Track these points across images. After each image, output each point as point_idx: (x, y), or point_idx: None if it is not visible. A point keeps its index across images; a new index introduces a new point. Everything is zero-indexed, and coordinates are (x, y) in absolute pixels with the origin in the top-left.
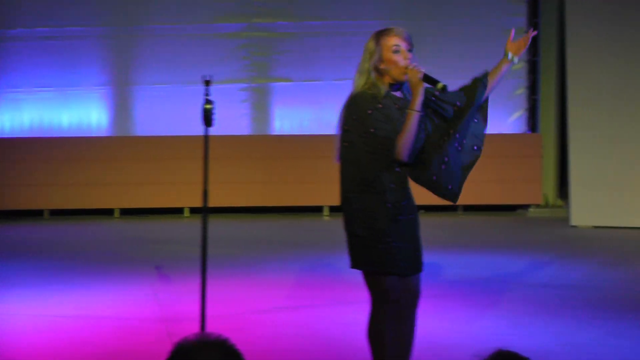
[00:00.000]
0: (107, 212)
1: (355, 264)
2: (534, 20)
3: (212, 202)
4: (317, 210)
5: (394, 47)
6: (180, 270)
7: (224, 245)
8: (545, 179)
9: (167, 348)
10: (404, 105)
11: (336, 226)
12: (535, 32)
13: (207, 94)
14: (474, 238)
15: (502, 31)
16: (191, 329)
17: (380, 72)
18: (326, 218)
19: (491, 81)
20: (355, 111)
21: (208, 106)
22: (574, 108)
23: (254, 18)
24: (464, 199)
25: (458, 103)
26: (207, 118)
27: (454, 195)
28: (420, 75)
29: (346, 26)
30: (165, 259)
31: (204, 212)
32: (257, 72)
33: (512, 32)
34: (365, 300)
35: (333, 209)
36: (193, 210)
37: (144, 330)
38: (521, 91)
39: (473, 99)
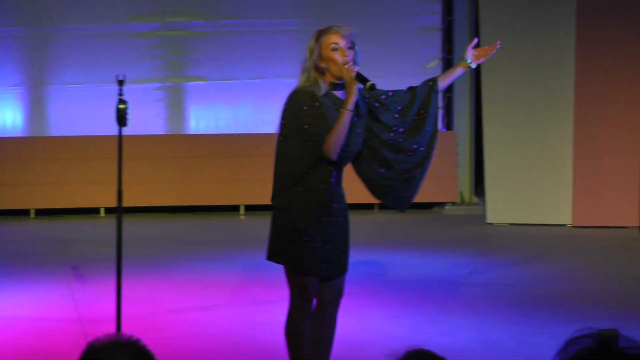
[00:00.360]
0: (23, 213)
1: (271, 256)
2: (448, 18)
3: (127, 202)
4: (233, 209)
5: (333, 45)
6: (96, 271)
7: (140, 245)
8: (460, 176)
9: (83, 349)
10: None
11: (252, 225)
12: (499, 46)
13: (120, 94)
14: (390, 236)
15: (417, 29)
16: (107, 329)
17: (320, 71)
18: (242, 217)
19: (442, 85)
20: (292, 107)
21: (122, 106)
22: (488, 106)
23: (168, 17)
24: None
25: (399, 107)
26: (121, 118)
27: (407, 202)
28: (354, 74)
29: (260, 25)
30: (81, 260)
31: (119, 212)
32: (172, 71)
33: (475, 40)
34: (280, 299)
35: (249, 208)
36: (108, 210)
37: (60, 331)
38: None
39: (428, 108)
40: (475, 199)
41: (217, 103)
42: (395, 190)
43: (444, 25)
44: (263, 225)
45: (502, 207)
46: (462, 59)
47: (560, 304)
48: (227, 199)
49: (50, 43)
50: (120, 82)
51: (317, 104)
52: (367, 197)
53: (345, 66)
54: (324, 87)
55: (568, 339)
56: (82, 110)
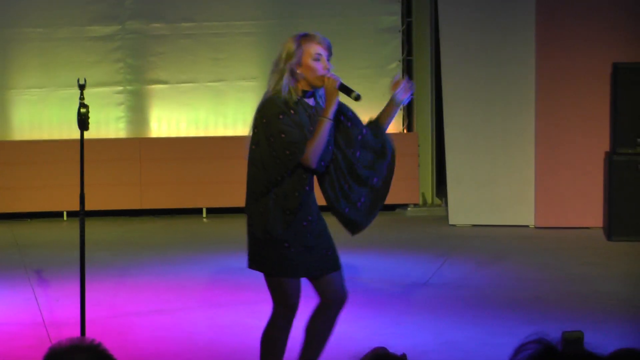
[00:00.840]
0: None
1: (251, 265)
2: (407, 20)
3: (90, 206)
4: (196, 212)
5: (316, 55)
6: (60, 274)
7: (103, 248)
8: (422, 178)
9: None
10: (315, 113)
11: (214, 228)
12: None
13: (82, 98)
14: (352, 238)
15: (376, 30)
16: (71, 332)
17: (295, 76)
18: (205, 220)
19: (385, 124)
20: (266, 114)
21: (83, 110)
22: (449, 107)
23: (127, 21)
24: None
25: (364, 131)
26: (83, 122)
27: (360, 226)
28: (337, 85)
29: (218, 27)
30: (44, 263)
31: (81, 215)
32: (132, 74)
33: (396, 76)
34: (242, 302)
35: (211, 211)
36: (71, 214)
37: (24, 335)
38: None
39: (385, 148)
40: (437, 201)
41: (177, 106)
42: (348, 216)
43: (404, 26)
44: (226, 227)
45: (464, 208)
46: (391, 98)
47: (523, 305)
48: (189, 201)
49: (10, 47)
50: (81, 86)
51: (291, 111)
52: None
53: (327, 76)
54: (296, 94)
55: (518, 345)
56: (43, 114)
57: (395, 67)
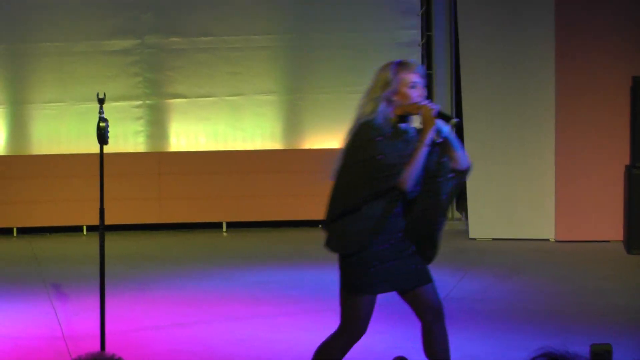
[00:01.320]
0: (5, 232)
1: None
2: (427, 34)
3: (109, 220)
4: (215, 226)
5: (412, 83)
6: (80, 288)
7: (122, 262)
8: None
9: None
10: (409, 139)
11: (234, 242)
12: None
13: (101, 112)
14: None
15: (396, 44)
16: (91, 346)
17: (391, 104)
18: (224, 234)
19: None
20: (361, 137)
21: (102, 124)
22: (469, 120)
23: (146, 35)
24: None
25: (443, 159)
26: (102, 136)
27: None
28: (434, 112)
29: (236, 41)
30: (64, 278)
31: (101, 230)
32: (151, 89)
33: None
34: (259, 316)
35: (231, 225)
36: (91, 228)
37: (44, 349)
38: None
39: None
40: (457, 214)
41: (196, 120)
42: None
43: (424, 40)
44: (245, 241)
45: (484, 222)
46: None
47: (542, 319)
48: (209, 215)
49: (29, 61)
50: (101, 101)
51: (388, 135)
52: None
53: (424, 104)
54: (392, 120)
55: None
56: (62, 129)
57: None
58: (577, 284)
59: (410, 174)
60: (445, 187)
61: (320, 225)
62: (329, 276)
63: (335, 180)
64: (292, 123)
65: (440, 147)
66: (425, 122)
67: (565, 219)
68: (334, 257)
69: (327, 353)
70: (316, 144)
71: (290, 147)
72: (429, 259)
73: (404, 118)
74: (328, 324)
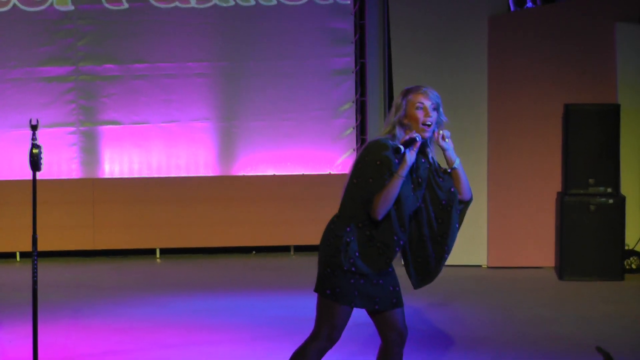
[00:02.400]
0: None
1: (317, 287)
2: (360, 61)
3: (42, 246)
4: (149, 252)
5: (418, 104)
6: (12, 315)
7: (55, 289)
8: None
9: None
10: (425, 162)
11: (167, 269)
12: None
13: (34, 138)
14: (303, 279)
15: (330, 72)
16: None
17: (403, 127)
18: (158, 261)
19: (461, 193)
20: (368, 155)
21: (35, 150)
22: None
23: (80, 62)
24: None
25: (452, 189)
26: (35, 162)
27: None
28: (407, 137)
29: (171, 68)
30: None
31: (34, 256)
32: (85, 115)
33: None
34: (191, 344)
35: (164, 252)
36: (24, 255)
37: None
38: (349, 131)
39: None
40: None
41: (130, 147)
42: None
43: (357, 67)
44: (179, 268)
45: None
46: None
47: (475, 347)
48: (142, 242)
49: None
50: (34, 127)
51: (396, 160)
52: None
53: (410, 135)
54: (414, 152)
55: None
56: None
57: (348, 107)
58: (510, 311)
59: (380, 203)
60: (456, 216)
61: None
62: (263, 304)
63: (346, 191)
64: (227, 150)
65: (451, 177)
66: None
67: (498, 245)
68: (268, 284)
69: (302, 357)
70: (250, 171)
71: (224, 174)
72: (423, 283)
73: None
74: (262, 352)
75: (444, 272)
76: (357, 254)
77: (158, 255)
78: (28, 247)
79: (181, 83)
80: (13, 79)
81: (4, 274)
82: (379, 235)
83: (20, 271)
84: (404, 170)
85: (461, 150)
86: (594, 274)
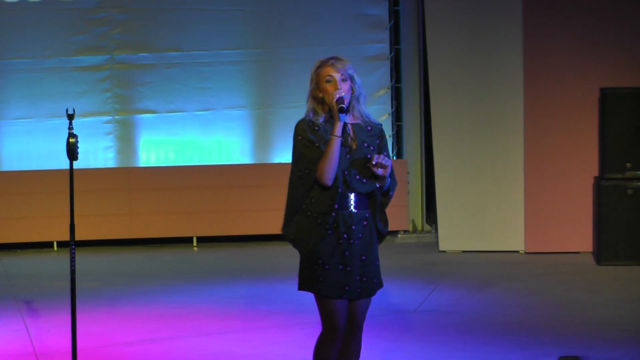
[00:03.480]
0: None
1: (299, 285)
2: (395, 47)
3: (80, 236)
4: (186, 241)
5: (327, 77)
6: (51, 305)
7: (92, 278)
8: (412, 204)
9: None
10: (350, 130)
11: (204, 257)
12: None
13: (70, 128)
14: None
15: (365, 58)
16: None
17: (318, 100)
18: (195, 249)
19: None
20: (294, 136)
21: (72, 140)
22: (438, 133)
23: (115, 51)
24: None
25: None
26: (72, 152)
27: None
28: (334, 99)
29: (206, 56)
30: (34, 294)
31: (72, 245)
32: (120, 104)
33: (371, 156)
34: (229, 331)
35: (201, 240)
36: (61, 244)
37: None
38: (385, 117)
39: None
40: (427, 227)
41: (166, 135)
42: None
43: (392, 53)
44: (215, 256)
45: (454, 234)
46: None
47: (513, 331)
48: (179, 230)
49: None
50: (70, 116)
51: (315, 128)
52: None
53: (332, 95)
54: (322, 115)
55: None
56: (31, 145)
57: (383, 93)
58: (547, 295)
59: (324, 167)
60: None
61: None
62: (300, 291)
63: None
64: (262, 137)
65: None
66: (333, 112)
67: (535, 231)
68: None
69: (318, 354)
70: (285, 158)
71: (259, 162)
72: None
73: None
74: (298, 338)
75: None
76: (303, 236)
77: (195, 243)
78: (65, 237)
79: (216, 71)
80: (48, 68)
81: (41, 263)
82: (314, 207)
83: (58, 260)
84: (339, 129)
85: (496, 134)
86: (631, 258)
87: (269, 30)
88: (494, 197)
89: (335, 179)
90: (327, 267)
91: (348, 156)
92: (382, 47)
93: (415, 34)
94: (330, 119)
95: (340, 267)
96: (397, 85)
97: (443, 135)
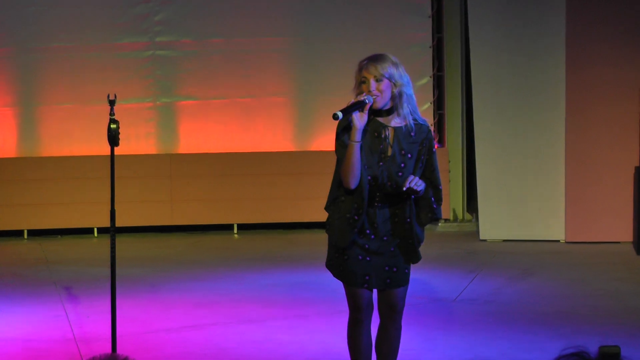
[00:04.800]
0: (16, 234)
1: (326, 264)
2: (437, 35)
3: (120, 222)
4: (227, 228)
5: (362, 78)
6: (91, 290)
7: (133, 264)
8: (453, 193)
9: None
10: (380, 131)
11: (245, 244)
12: None
13: (112, 114)
14: None
15: (406, 46)
16: (102, 349)
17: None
18: (236, 236)
19: None
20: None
21: (113, 126)
22: (479, 122)
23: (157, 37)
24: None
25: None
26: (113, 137)
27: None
28: (351, 102)
29: (248, 44)
30: (74, 280)
31: (112, 231)
32: (162, 90)
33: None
34: (271, 318)
35: (242, 227)
36: (101, 230)
37: (55, 351)
38: (427, 106)
39: None
40: (468, 216)
41: (207, 122)
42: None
43: (434, 42)
44: (256, 243)
45: (495, 223)
46: None
47: (553, 321)
48: (220, 217)
49: (40, 63)
50: (111, 102)
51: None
52: None
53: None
54: (365, 114)
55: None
56: (73, 130)
57: (425, 82)
58: (588, 285)
59: (343, 173)
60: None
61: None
62: None
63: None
64: (304, 125)
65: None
66: (353, 121)
67: (576, 220)
68: None
69: (349, 336)
70: (327, 146)
71: (301, 149)
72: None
73: (382, 111)
74: (339, 326)
75: (523, 246)
76: (335, 229)
77: (235, 230)
78: (105, 223)
79: (258, 58)
80: (90, 54)
81: (82, 249)
82: (343, 205)
83: (98, 247)
84: (355, 135)
85: (537, 123)
86: None
87: (311, 18)
88: (535, 186)
89: (360, 183)
90: (345, 257)
91: (381, 163)
92: (424, 35)
93: (458, 22)
94: (374, 118)
95: (360, 257)
96: (438, 73)
97: (484, 123)
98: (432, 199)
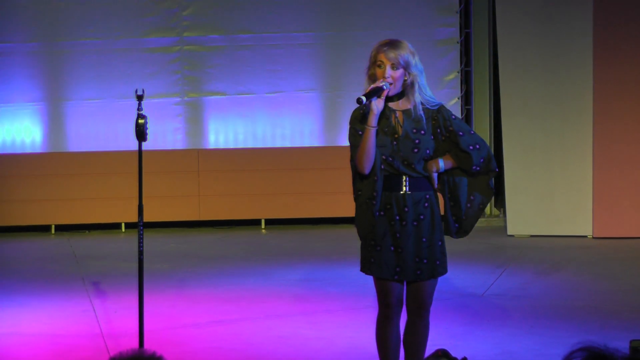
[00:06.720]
0: (43, 229)
1: (360, 267)
2: (465, 31)
3: (148, 217)
4: (254, 223)
5: (378, 62)
6: (118, 286)
7: (160, 260)
8: None
9: None
10: (389, 114)
11: (273, 239)
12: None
13: (139, 109)
14: None
15: (434, 42)
16: (130, 344)
17: (372, 79)
18: (263, 232)
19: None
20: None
21: (141, 121)
22: (507, 118)
23: (185, 32)
24: None
25: (461, 133)
26: (141, 133)
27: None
28: (371, 87)
29: (276, 39)
30: (102, 275)
31: (140, 227)
32: (190, 86)
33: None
34: (298, 314)
35: (270, 222)
36: (129, 226)
37: (83, 346)
38: (454, 101)
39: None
40: (495, 211)
41: (235, 117)
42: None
43: (462, 37)
44: (284, 239)
45: (522, 218)
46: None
47: (580, 316)
48: (247, 213)
49: (68, 58)
50: (139, 97)
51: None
52: None
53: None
54: (382, 100)
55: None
56: (100, 126)
57: (453, 77)
58: (615, 280)
59: (357, 157)
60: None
61: None
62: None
63: None
64: (332, 120)
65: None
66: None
67: (603, 216)
68: None
69: (377, 335)
70: None
71: (329, 144)
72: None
73: (394, 95)
74: (367, 321)
75: (550, 241)
76: (359, 220)
77: (263, 225)
78: (133, 218)
79: (286, 53)
80: (118, 49)
81: (109, 244)
82: (364, 192)
83: (126, 242)
84: (372, 120)
85: (565, 118)
86: None
87: (339, 13)
88: (563, 181)
89: (374, 166)
90: (378, 248)
91: (394, 142)
92: (452, 30)
93: (485, 17)
94: (388, 104)
95: (392, 248)
96: (466, 69)
97: (512, 119)
98: (481, 160)
